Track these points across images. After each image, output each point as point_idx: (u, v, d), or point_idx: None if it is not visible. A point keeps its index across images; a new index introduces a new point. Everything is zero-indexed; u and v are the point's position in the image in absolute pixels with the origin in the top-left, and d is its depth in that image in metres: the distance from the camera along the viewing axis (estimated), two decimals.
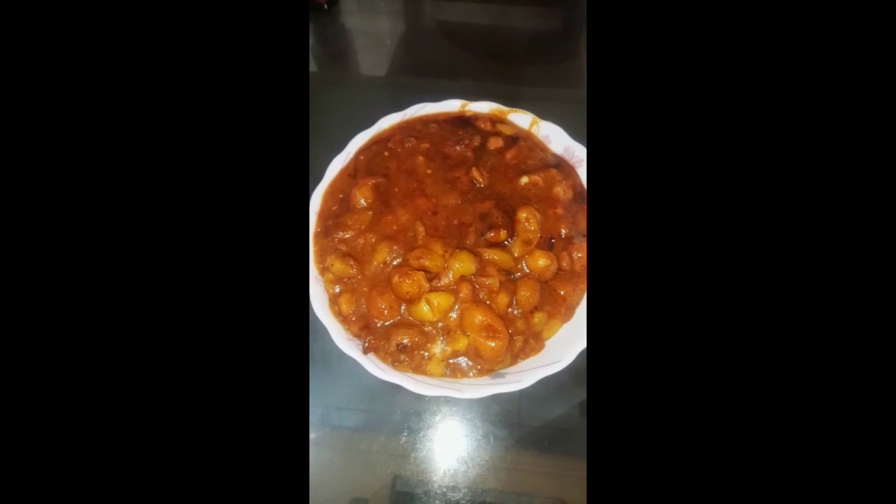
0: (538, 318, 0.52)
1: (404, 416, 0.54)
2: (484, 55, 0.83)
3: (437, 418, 0.54)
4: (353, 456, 0.53)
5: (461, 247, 0.52)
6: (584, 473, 0.50)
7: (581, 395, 0.55)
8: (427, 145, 0.58)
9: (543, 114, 0.63)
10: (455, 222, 0.54)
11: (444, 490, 0.51)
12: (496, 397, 0.50)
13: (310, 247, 0.54)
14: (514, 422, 0.54)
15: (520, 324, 0.51)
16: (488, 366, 0.50)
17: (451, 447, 0.53)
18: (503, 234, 0.52)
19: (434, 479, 0.51)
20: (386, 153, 0.58)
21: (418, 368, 0.50)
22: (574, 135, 0.61)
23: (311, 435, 0.53)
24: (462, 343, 0.50)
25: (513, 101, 0.64)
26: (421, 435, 0.53)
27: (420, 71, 0.83)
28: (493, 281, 0.50)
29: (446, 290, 0.50)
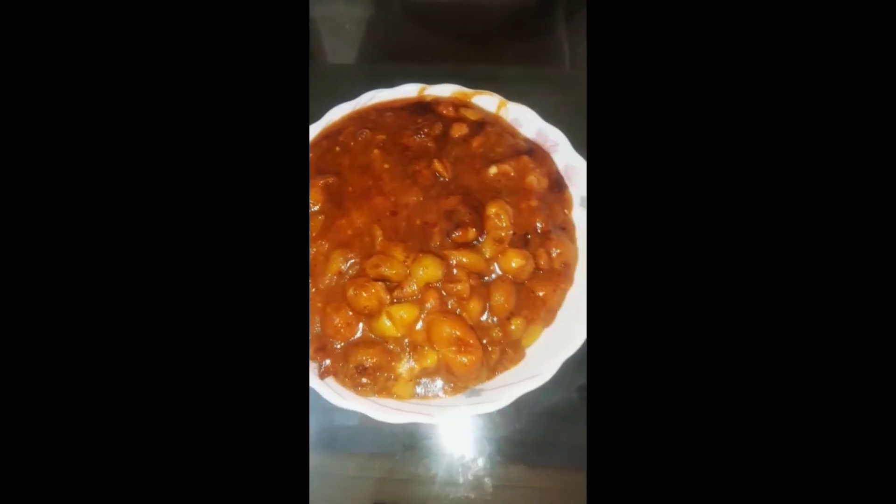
0: (516, 324, 0.48)
1: (381, 437, 0.50)
2: (454, 36, 0.79)
3: (416, 438, 0.50)
4: (330, 481, 0.50)
5: (425, 250, 0.48)
6: (571, 487, 0.49)
7: (567, 408, 0.51)
8: (383, 137, 0.54)
9: (518, 95, 0.58)
10: (417, 222, 0.49)
11: None
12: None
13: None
14: (499, 436, 0.51)
15: (495, 333, 0.47)
16: (462, 383, 0.46)
17: (432, 467, 0.50)
18: (472, 232, 0.48)
19: (415, 501, 0.48)
20: (337, 148, 0.54)
21: (384, 391, 0.46)
22: (547, 117, 0.56)
23: None
24: (431, 359, 0.45)
25: (487, 83, 0.59)
26: (398, 457, 0.50)
27: (387, 57, 0.79)
28: (462, 287, 0.46)
29: (410, 300, 0.46)
